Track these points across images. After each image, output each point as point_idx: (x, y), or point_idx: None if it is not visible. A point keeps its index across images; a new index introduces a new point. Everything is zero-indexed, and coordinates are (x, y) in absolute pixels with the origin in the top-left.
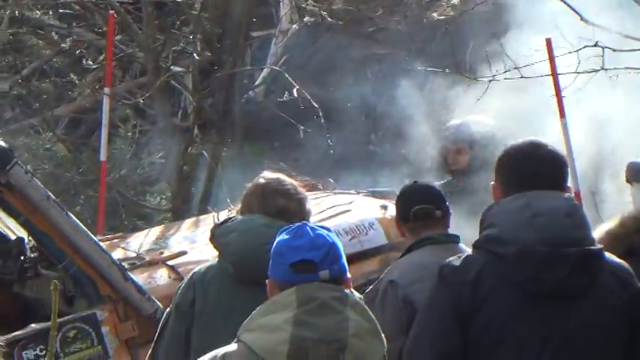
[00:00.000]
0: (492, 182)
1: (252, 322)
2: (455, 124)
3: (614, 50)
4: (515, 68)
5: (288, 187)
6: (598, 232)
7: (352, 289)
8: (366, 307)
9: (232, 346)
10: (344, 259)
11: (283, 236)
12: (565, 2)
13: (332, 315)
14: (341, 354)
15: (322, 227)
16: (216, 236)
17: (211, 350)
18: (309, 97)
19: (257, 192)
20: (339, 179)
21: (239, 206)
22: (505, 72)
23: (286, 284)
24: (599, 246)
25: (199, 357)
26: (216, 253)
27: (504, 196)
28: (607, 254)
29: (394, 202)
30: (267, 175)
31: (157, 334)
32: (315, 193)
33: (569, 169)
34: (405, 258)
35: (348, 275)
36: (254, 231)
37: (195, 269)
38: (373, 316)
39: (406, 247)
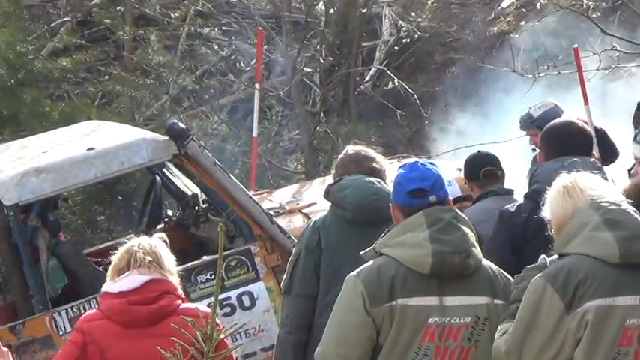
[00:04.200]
0: (538, 151)
1: (391, 239)
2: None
3: (625, 53)
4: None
5: (372, 154)
6: (626, 184)
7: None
8: (469, 222)
9: (380, 259)
10: (446, 187)
11: (401, 171)
12: (591, 20)
13: (456, 231)
14: (467, 260)
15: (430, 163)
16: (333, 192)
17: (337, 275)
18: (407, 88)
19: (353, 159)
20: (430, 148)
21: (334, 171)
22: (547, 69)
23: (404, 207)
24: None
25: (327, 283)
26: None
27: (546, 161)
28: None
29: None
30: (354, 147)
31: (291, 269)
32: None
33: (593, 140)
34: (475, 205)
35: (450, 197)
36: (364, 186)
37: (315, 218)
38: (473, 228)
39: (476, 198)
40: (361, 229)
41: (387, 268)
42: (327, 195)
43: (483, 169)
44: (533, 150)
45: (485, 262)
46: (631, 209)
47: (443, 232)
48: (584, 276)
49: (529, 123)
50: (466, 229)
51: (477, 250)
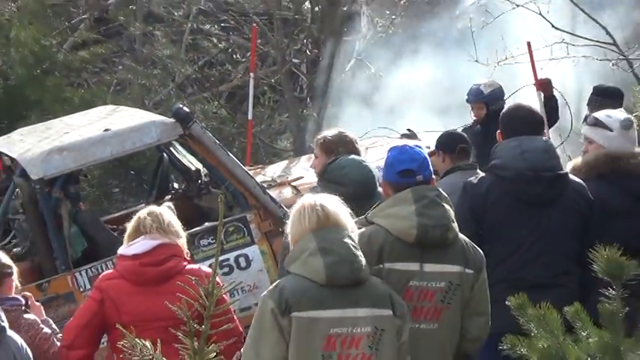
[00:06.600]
0: (498, 131)
1: (382, 211)
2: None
3: (574, 45)
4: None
5: (353, 137)
6: (576, 161)
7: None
8: (449, 199)
9: (370, 227)
10: (431, 167)
11: (392, 153)
12: (542, 16)
13: (438, 208)
14: (447, 233)
15: (417, 146)
16: (331, 170)
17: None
18: (381, 76)
19: (340, 140)
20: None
21: (317, 150)
22: (505, 59)
23: (395, 184)
24: (565, 171)
25: None
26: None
27: (504, 139)
28: (570, 176)
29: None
30: (335, 130)
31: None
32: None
33: (544, 121)
34: (444, 179)
35: (433, 177)
36: (359, 165)
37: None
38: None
39: (442, 173)
40: (357, 203)
41: (377, 236)
42: (325, 173)
43: (460, 145)
44: (475, 122)
45: (461, 236)
46: (347, 237)
47: (427, 208)
48: (293, 292)
49: (478, 97)
50: (447, 207)
51: (455, 225)
